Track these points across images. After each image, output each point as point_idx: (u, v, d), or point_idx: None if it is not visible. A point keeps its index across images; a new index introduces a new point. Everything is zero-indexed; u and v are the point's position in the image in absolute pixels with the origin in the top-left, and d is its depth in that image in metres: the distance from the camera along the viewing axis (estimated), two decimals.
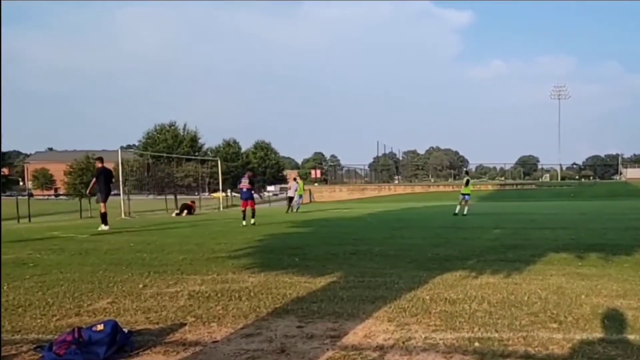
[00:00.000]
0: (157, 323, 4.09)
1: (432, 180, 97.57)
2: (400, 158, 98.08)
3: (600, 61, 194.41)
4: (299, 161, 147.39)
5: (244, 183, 14.00)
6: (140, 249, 8.80)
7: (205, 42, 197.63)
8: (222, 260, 7.31)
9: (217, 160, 33.30)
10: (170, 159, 35.65)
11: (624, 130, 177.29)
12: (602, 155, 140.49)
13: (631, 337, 3.58)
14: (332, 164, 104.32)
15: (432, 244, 8.99)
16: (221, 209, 28.86)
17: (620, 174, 79.79)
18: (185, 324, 4.04)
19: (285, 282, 5.60)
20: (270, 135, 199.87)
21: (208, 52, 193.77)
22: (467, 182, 18.33)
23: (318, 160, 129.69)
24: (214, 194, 27.90)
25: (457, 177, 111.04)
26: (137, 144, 53.25)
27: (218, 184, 30.61)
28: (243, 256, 7.83)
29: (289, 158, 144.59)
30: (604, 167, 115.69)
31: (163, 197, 30.66)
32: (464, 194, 17.90)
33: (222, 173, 32.38)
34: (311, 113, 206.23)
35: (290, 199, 23.38)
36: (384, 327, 3.90)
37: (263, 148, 75.36)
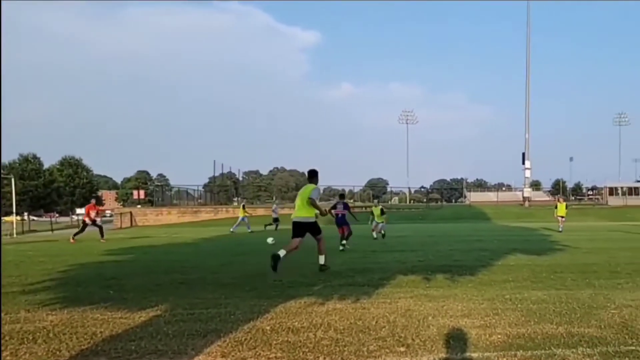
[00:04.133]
0: None
1: (277, 202, 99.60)
2: (241, 178, 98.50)
3: (448, 90, 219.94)
4: (119, 180, 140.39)
5: (339, 208, 15.08)
6: None
7: None
8: (12, 296, 6.65)
9: (10, 178, 30.80)
10: None
11: (468, 156, 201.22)
12: (448, 179, 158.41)
13: (474, 355, 3.98)
14: (159, 183, 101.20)
15: None
16: (14, 235, 26.25)
17: (465, 197, 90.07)
18: None
19: (96, 319, 5.23)
20: (82, 150, 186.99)
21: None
22: (382, 212, 19.30)
23: (142, 179, 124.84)
24: (6, 218, 25.25)
25: None
26: None
27: (11, 205, 28.15)
28: (41, 290, 7.18)
29: (105, 176, 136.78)
30: (450, 190, 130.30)
31: None
32: (378, 222, 19.15)
33: (17, 193, 29.92)
34: (135, 127, 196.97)
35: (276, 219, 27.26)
36: None
37: (72, 165, 70.99)
